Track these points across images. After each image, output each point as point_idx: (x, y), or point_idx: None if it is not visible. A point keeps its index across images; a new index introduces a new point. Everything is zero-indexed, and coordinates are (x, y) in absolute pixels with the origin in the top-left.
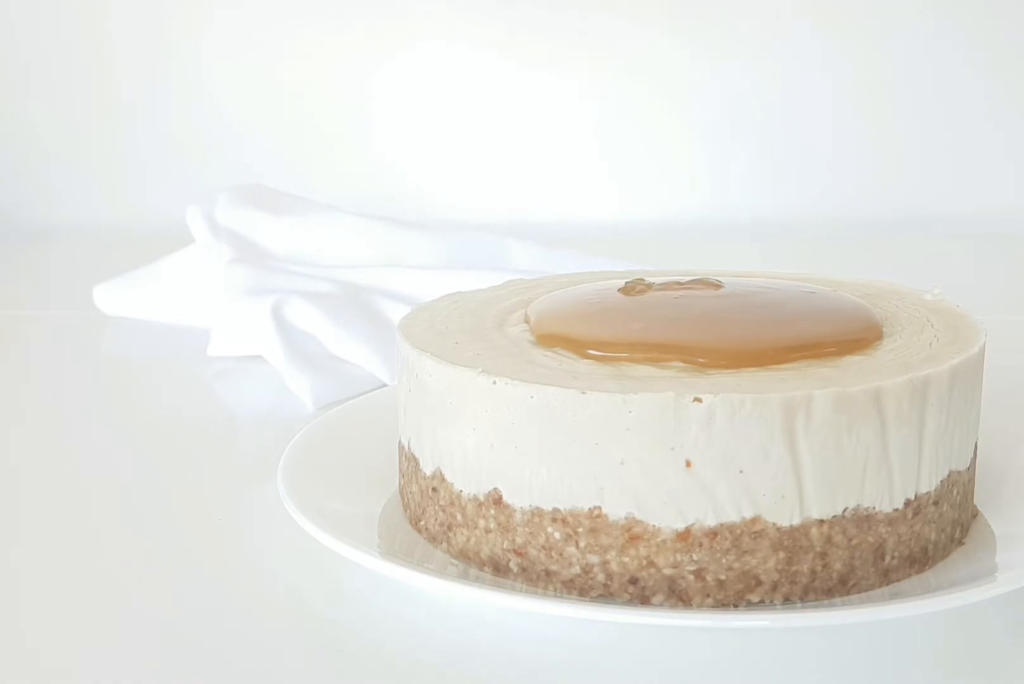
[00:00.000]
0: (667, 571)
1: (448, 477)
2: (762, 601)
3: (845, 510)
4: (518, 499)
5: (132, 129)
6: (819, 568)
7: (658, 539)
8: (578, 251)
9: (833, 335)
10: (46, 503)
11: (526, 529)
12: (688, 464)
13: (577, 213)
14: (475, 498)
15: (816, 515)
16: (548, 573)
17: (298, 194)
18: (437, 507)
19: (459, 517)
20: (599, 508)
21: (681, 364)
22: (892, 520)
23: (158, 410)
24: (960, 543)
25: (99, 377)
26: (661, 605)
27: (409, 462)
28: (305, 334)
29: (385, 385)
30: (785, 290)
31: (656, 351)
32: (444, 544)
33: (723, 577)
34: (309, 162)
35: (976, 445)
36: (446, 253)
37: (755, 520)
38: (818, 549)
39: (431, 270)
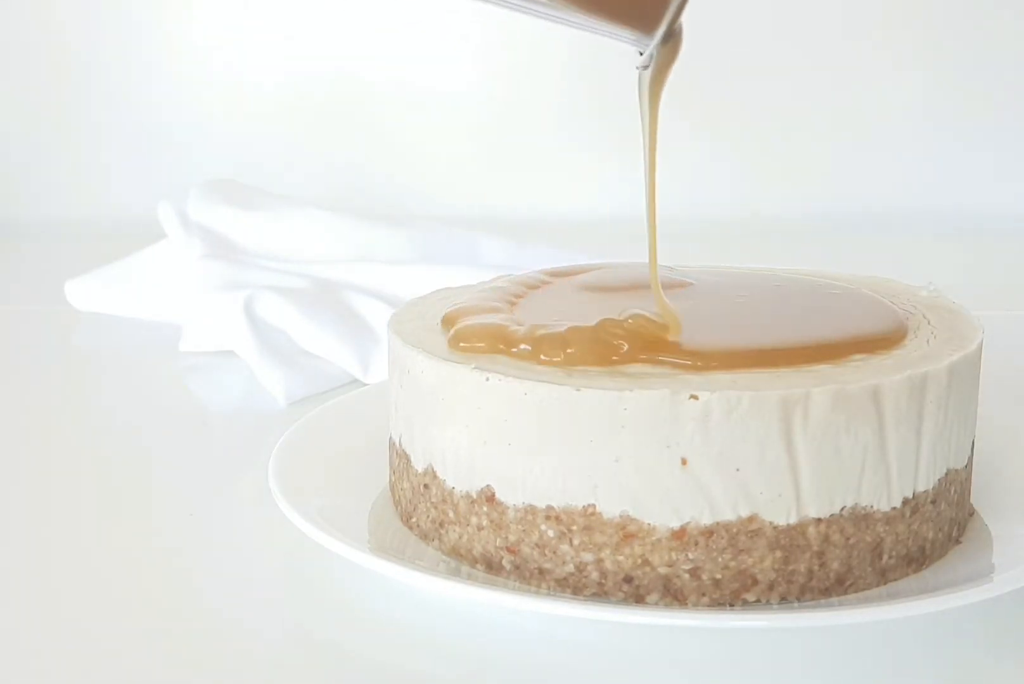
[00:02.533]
0: (662, 570)
1: (440, 474)
2: (758, 600)
3: (843, 509)
4: (511, 496)
5: (104, 123)
6: (816, 567)
7: (653, 537)
8: (550, 246)
9: (860, 341)
10: (15, 500)
11: (519, 527)
12: (684, 462)
13: (549, 208)
14: (467, 495)
15: (813, 514)
16: (541, 571)
17: (270, 189)
18: (429, 504)
19: (451, 514)
20: (593, 506)
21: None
22: (890, 519)
23: (130, 406)
24: (957, 542)
25: (71, 372)
26: (656, 604)
27: (400, 459)
28: (277, 329)
29: (355, 380)
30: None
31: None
32: (436, 541)
33: (719, 576)
34: (280, 157)
35: (973, 443)
36: (417, 248)
37: (752, 519)
38: (815, 548)
39: (402, 265)
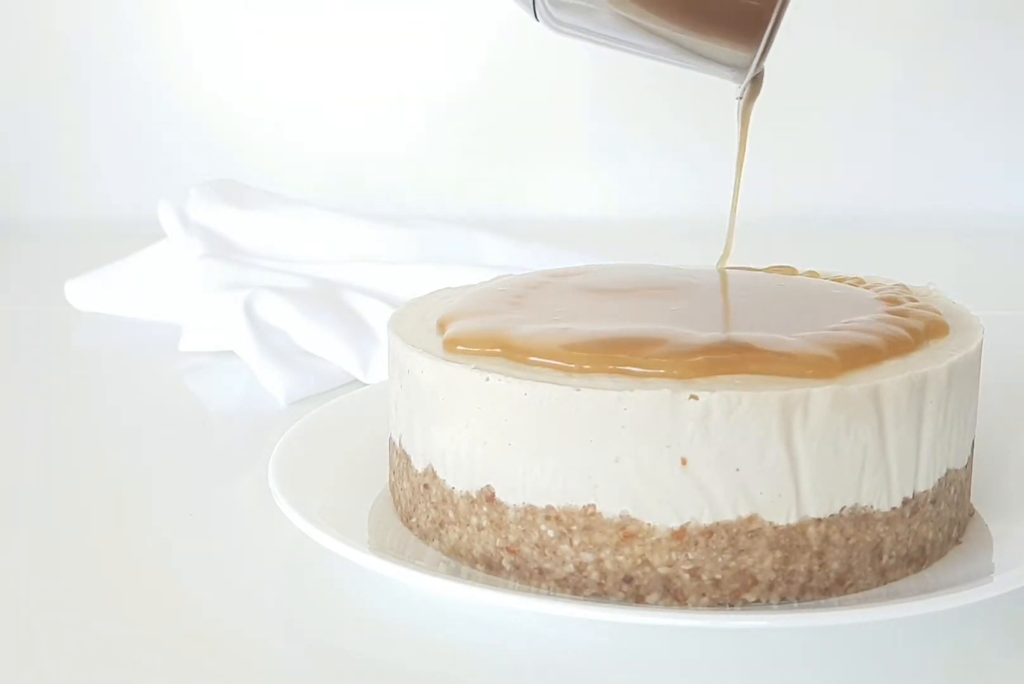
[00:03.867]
0: (662, 570)
1: (440, 474)
2: (758, 601)
3: (843, 509)
4: (511, 496)
5: (104, 123)
6: (816, 567)
7: (653, 537)
8: (550, 246)
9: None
10: (15, 499)
11: (519, 527)
12: (684, 462)
13: (549, 208)
14: (467, 495)
15: (813, 514)
16: (541, 571)
17: (269, 189)
18: (429, 504)
19: (451, 514)
20: (593, 506)
21: None
22: (890, 519)
23: (130, 406)
24: (957, 542)
25: (71, 372)
26: (656, 604)
27: (400, 459)
28: (277, 329)
29: (355, 380)
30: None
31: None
32: (436, 541)
33: (719, 576)
34: (280, 157)
35: (973, 443)
36: (417, 248)
37: (752, 519)
38: (815, 548)
39: (402, 265)
